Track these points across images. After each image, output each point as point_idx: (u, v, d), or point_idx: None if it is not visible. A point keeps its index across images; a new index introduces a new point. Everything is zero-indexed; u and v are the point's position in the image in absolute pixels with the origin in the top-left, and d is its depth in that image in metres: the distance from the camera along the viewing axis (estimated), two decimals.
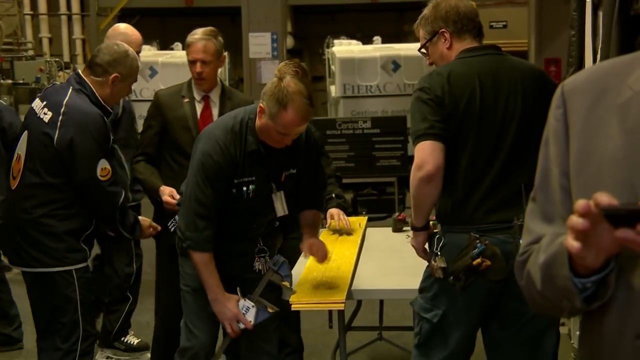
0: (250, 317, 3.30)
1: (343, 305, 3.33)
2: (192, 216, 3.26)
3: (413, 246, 3.11)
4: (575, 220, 1.23)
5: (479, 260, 2.84)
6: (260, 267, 3.47)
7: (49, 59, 15.07)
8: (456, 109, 2.89)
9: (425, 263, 3.09)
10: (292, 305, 3.29)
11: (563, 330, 5.21)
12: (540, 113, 2.55)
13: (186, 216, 3.30)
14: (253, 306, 3.31)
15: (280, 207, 3.46)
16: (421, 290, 3.10)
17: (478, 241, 2.86)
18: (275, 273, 3.37)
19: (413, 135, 2.94)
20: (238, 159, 3.25)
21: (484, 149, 2.92)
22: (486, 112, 2.91)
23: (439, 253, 2.94)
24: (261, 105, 3.19)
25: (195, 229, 3.26)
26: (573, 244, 1.26)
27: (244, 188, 3.30)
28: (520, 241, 1.58)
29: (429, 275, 3.05)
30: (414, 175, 2.90)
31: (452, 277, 2.90)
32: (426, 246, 3.07)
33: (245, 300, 3.31)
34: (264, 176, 3.34)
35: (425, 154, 2.87)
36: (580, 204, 1.23)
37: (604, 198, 1.21)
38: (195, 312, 3.41)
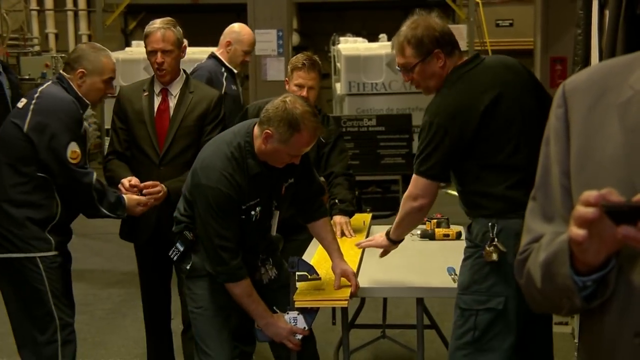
0: (302, 324, 3.30)
1: (347, 303, 3.34)
2: (217, 252, 3.23)
3: (376, 246, 3.53)
4: (584, 209, 1.23)
5: (490, 250, 3.09)
6: (265, 276, 3.48)
7: (55, 55, 15.11)
8: (482, 119, 3.10)
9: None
10: (296, 303, 3.28)
11: (566, 329, 5.20)
12: (535, 96, 3.19)
13: (212, 255, 3.27)
14: (298, 314, 3.31)
15: (274, 226, 3.50)
16: (468, 286, 3.20)
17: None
18: (296, 274, 3.34)
19: (416, 165, 3.19)
20: (244, 186, 3.24)
21: (514, 144, 3.14)
22: (510, 112, 3.14)
23: (496, 239, 3.10)
24: (267, 131, 3.16)
25: (223, 262, 3.25)
26: (578, 232, 1.25)
27: (252, 212, 3.31)
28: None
29: (479, 268, 3.16)
30: (409, 204, 3.23)
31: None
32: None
33: (288, 313, 3.31)
34: (267, 195, 3.34)
35: (423, 190, 3.19)
36: (591, 194, 1.23)
37: (614, 195, 1.22)
38: (208, 334, 3.39)
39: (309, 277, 3.36)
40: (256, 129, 3.24)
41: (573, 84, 1.51)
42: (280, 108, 3.16)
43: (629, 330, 1.37)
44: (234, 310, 3.44)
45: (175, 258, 3.41)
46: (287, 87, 4.31)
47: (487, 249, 3.11)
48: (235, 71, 5.69)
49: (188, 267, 3.39)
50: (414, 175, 3.20)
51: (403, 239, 3.50)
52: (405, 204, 3.25)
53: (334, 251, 3.49)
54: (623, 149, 1.38)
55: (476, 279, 3.18)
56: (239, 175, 3.20)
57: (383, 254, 3.60)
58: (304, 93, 4.14)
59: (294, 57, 4.37)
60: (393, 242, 3.49)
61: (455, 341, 3.22)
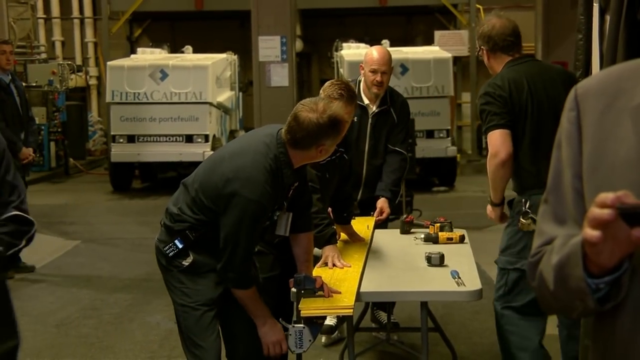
0: (307, 337, 3.31)
1: (352, 310, 3.36)
2: (236, 260, 3.27)
3: (490, 218, 4.03)
4: (599, 211, 1.24)
5: None
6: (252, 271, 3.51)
7: (61, 62, 15.17)
8: (518, 103, 3.78)
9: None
10: (302, 312, 3.29)
11: None
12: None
13: (230, 261, 3.28)
14: (304, 327, 3.33)
15: (284, 227, 3.50)
16: (505, 249, 3.84)
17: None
18: (303, 291, 3.37)
19: (485, 128, 3.80)
20: (279, 196, 3.30)
21: (542, 129, 3.74)
22: (539, 101, 3.79)
23: (529, 211, 3.66)
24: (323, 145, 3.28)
25: (238, 270, 3.30)
26: (592, 233, 1.26)
27: (274, 217, 3.39)
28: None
29: (513, 234, 3.80)
30: (490, 162, 3.78)
31: None
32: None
33: (294, 326, 3.33)
34: (283, 198, 3.39)
35: (498, 143, 3.73)
36: (607, 196, 1.24)
37: (630, 197, 1.23)
38: (201, 327, 3.40)
39: (315, 292, 3.38)
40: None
41: (585, 88, 1.50)
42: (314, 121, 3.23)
43: None
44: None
45: (171, 254, 3.42)
46: None
47: (522, 220, 3.69)
48: None
49: (186, 263, 3.40)
50: (487, 139, 3.78)
51: (504, 199, 3.92)
52: (489, 165, 3.78)
53: (304, 269, 3.55)
54: (636, 151, 1.38)
55: (510, 243, 3.81)
56: (276, 187, 3.26)
57: (501, 220, 3.98)
58: None
59: (329, 84, 4.18)
60: (496, 204, 3.93)
61: (495, 294, 3.91)
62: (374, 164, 5.02)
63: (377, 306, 5.18)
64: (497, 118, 3.74)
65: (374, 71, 4.84)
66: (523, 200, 3.73)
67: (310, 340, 3.31)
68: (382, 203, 4.89)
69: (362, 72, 4.96)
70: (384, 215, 4.86)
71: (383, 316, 5.13)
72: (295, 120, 3.24)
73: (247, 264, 3.32)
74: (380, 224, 4.82)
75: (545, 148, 3.44)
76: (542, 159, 3.55)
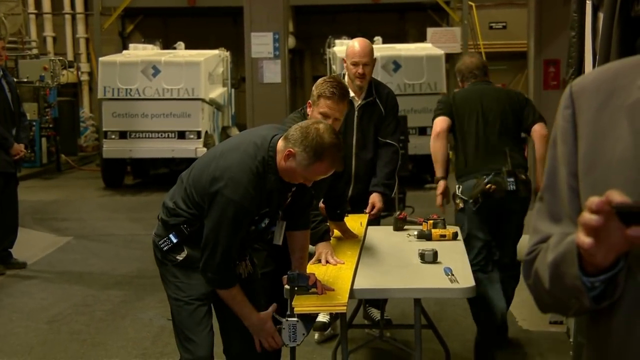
0: (301, 330, 3.31)
1: (345, 307, 3.35)
2: (215, 260, 3.26)
3: (437, 194, 5.07)
4: (589, 216, 1.24)
5: (490, 185, 4.69)
6: (245, 270, 3.50)
7: (53, 58, 15.14)
8: (459, 110, 5.00)
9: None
10: (295, 309, 3.29)
11: (561, 328, 5.25)
12: (511, 111, 4.96)
13: (210, 261, 3.28)
14: (297, 321, 3.33)
15: (279, 235, 3.50)
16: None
17: (484, 177, 4.75)
18: (296, 288, 3.37)
19: (432, 118, 5.10)
20: (263, 200, 3.28)
21: (479, 129, 4.91)
22: (484, 110, 4.95)
23: (459, 193, 4.88)
24: (291, 150, 3.18)
25: (218, 271, 3.29)
26: (585, 239, 1.26)
27: (262, 224, 3.36)
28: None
29: (456, 213, 4.98)
30: (431, 142, 5.05)
31: (472, 201, 4.77)
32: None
33: (287, 320, 3.33)
34: (276, 205, 3.38)
35: (436, 123, 5.01)
36: (593, 200, 1.24)
37: (616, 195, 1.22)
38: (194, 322, 3.41)
39: (309, 290, 3.38)
40: (280, 144, 3.25)
41: (580, 85, 1.50)
42: (312, 133, 3.17)
43: (638, 330, 1.36)
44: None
45: (165, 248, 3.42)
46: (308, 110, 4.09)
47: (456, 201, 4.92)
48: None
49: (180, 258, 3.40)
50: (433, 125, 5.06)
51: (447, 175, 5.08)
52: (430, 141, 5.05)
53: (298, 266, 3.56)
54: (632, 150, 1.38)
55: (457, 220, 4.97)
56: (259, 190, 3.24)
57: (440, 199, 5.06)
58: (329, 123, 3.99)
59: (321, 81, 4.11)
60: (439, 179, 5.07)
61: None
62: (363, 158, 5.01)
63: (369, 303, 5.18)
64: (439, 112, 5.04)
65: (355, 64, 4.85)
66: (457, 186, 4.92)
67: (303, 334, 3.31)
68: (374, 198, 4.91)
69: (345, 65, 4.97)
70: (375, 210, 4.88)
71: (375, 313, 5.14)
72: (303, 124, 3.27)
73: (227, 264, 3.30)
74: (373, 221, 4.82)
75: (491, 144, 4.84)
76: (478, 152, 4.87)
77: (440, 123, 4.94)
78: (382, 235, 4.51)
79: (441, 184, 5.01)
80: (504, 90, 5.65)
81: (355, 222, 4.52)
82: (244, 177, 3.20)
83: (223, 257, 3.26)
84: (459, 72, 5.21)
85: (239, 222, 3.24)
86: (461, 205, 4.82)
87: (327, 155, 3.16)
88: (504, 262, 4.89)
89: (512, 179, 4.64)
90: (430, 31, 15.38)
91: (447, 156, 5.06)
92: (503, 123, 4.86)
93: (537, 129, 4.88)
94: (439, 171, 5.03)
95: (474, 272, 3.73)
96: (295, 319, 3.28)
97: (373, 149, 5.05)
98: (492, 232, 4.83)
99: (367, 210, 4.84)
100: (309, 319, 3.36)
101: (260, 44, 10.92)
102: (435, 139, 4.97)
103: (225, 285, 3.34)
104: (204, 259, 3.29)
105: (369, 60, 4.88)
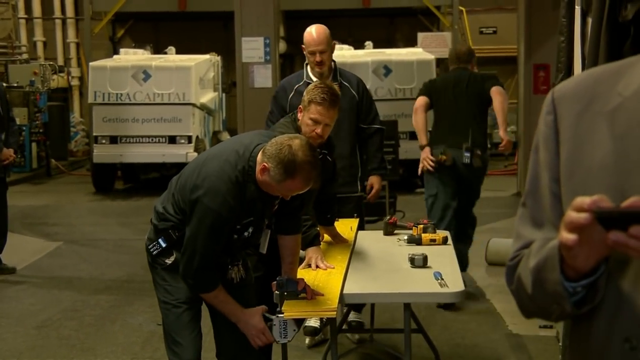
0: (292, 327, 3.30)
1: (335, 313, 3.36)
2: (193, 265, 3.27)
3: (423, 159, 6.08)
4: (576, 215, 1.25)
5: (441, 156, 5.98)
6: (237, 275, 3.50)
7: (43, 63, 15.08)
8: (437, 91, 6.20)
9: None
10: (285, 315, 3.29)
11: (550, 332, 5.26)
12: (478, 94, 6.05)
13: (188, 266, 3.29)
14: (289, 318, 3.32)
15: (264, 244, 3.51)
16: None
17: (442, 147, 6.02)
18: (285, 294, 3.36)
19: (416, 96, 6.31)
20: (243, 209, 3.27)
21: (450, 108, 6.07)
22: (451, 92, 6.11)
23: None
24: (265, 164, 3.16)
25: (195, 276, 3.30)
26: (569, 236, 1.27)
27: (245, 233, 3.36)
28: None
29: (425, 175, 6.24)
30: (413, 117, 6.19)
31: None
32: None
33: (278, 316, 3.32)
34: (260, 214, 3.37)
35: (417, 101, 6.16)
36: (584, 200, 1.24)
37: (605, 202, 1.23)
38: (182, 325, 3.42)
39: (298, 295, 3.38)
40: (259, 156, 3.23)
41: (562, 91, 1.51)
42: (284, 150, 3.14)
43: (618, 336, 1.37)
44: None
45: (154, 253, 3.44)
46: (299, 115, 4.05)
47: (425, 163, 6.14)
48: None
49: (169, 262, 3.41)
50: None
51: (426, 144, 6.10)
52: (413, 119, 6.19)
53: (288, 271, 3.56)
54: (612, 156, 1.38)
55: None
56: (239, 200, 3.24)
57: (424, 159, 6.08)
58: (319, 130, 3.98)
59: (312, 86, 4.09)
60: (422, 147, 6.10)
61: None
62: (340, 151, 4.69)
63: (349, 306, 5.16)
64: (420, 92, 6.23)
65: (312, 52, 4.91)
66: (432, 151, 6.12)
67: (294, 330, 3.31)
68: (372, 180, 5.15)
69: (305, 53, 5.01)
70: (374, 191, 5.08)
71: (353, 316, 5.14)
72: (278, 140, 3.23)
73: (205, 270, 3.30)
74: (360, 226, 4.81)
75: (458, 123, 5.98)
76: (446, 127, 6.05)
77: (420, 101, 6.16)
78: (372, 240, 4.52)
79: (426, 150, 6.07)
80: (479, 75, 6.48)
81: (345, 226, 4.53)
82: (222, 186, 3.20)
83: (201, 264, 3.26)
84: (449, 57, 6.49)
85: (217, 230, 3.24)
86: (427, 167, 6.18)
87: (299, 173, 3.12)
88: (459, 218, 6.15)
89: (468, 154, 5.92)
90: (420, 36, 15.41)
91: (426, 128, 6.18)
92: (470, 105, 6.06)
93: (494, 89, 5.96)
94: (421, 140, 6.12)
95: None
96: (283, 318, 3.29)
97: (351, 142, 5.01)
98: (454, 195, 6.11)
99: (367, 190, 5.04)
100: (299, 317, 3.37)
101: (251, 48, 10.93)
102: (414, 113, 6.16)
103: (205, 290, 3.36)
104: (182, 265, 3.32)
105: (326, 47, 4.91)
